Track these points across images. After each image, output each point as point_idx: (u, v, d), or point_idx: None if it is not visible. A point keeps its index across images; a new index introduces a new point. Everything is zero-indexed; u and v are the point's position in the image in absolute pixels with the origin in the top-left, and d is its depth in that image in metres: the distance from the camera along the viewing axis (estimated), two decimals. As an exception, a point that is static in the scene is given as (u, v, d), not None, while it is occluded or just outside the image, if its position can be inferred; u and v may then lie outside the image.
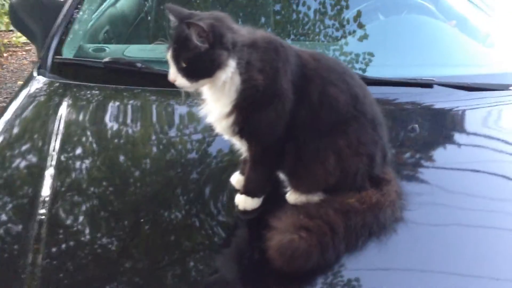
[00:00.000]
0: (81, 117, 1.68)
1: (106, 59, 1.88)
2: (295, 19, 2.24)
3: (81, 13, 2.21)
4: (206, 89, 1.23)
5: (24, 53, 5.63)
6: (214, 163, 1.49)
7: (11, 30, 5.80)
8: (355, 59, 1.95)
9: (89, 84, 1.84)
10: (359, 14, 2.17)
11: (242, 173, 1.35)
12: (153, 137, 1.62)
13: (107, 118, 1.71)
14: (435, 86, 1.77)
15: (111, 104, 1.78)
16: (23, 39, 5.36)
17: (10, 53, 5.57)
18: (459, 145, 1.62)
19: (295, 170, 1.25)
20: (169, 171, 1.44)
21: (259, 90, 1.17)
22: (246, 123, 1.20)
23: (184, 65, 1.15)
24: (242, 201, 1.29)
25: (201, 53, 1.12)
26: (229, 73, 1.15)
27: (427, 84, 1.78)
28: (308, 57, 1.25)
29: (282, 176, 1.31)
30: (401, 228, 1.24)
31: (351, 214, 1.18)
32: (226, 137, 1.28)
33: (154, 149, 1.57)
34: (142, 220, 1.28)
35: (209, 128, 1.34)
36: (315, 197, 1.25)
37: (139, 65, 1.83)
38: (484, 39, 2.19)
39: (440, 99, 1.76)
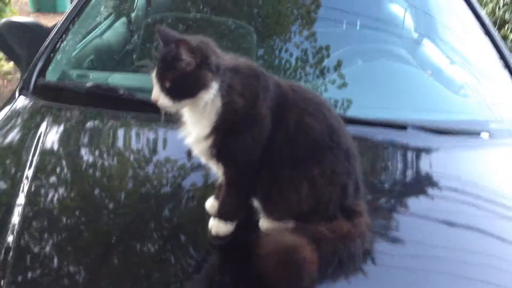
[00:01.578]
0: (58, 141, 1.70)
1: (89, 84, 1.90)
2: (277, 64, 2.29)
3: (67, 40, 2.24)
4: (187, 111, 1.25)
5: (6, 82, 5.61)
6: (191, 190, 1.51)
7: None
8: (333, 99, 2.00)
9: (70, 105, 1.86)
10: (339, 63, 2.24)
11: (217, 198, 1.36)
12: (130, 164, 1.62)
13: (85, 143, 1.73)
14: (409, 128, 1.83)
15: (90, 127, 1.80)
16: (7, 67, 5.36)
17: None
18: (428, 185, 1.65)
19: (268, 196, 1.27)
20: (144, 202, 1.45)
21: (238, 113, 1.20)
22: (223, 146, 1.23)
23: (168, 84, 1.17)
24: (215, 226, 1.30)
25: (186, 72, 1.15)
26: (211, 95, 1.17)
27: (401, 126, 1.83)
28: (287, 87, 1.29)
29: (256, 203, 1.33)
30: (370, 260, 1.27)
31: (322, 243, 1.19)
32: (203, 160, 1.30)
33: (130, 177, 1.57)
34: (111, 251, 1.28)
35: (186, 155, 1.36)
36: (287, 225, 1.27)
37: (121, 91, 1.86)
38: (458, 89, 2.26)
39: (413, 141, 1.81)
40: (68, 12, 2.32)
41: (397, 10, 2.76)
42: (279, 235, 1.22)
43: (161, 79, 1.18)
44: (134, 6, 2.98)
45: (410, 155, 1.83)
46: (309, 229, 1.21)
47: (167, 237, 1.34)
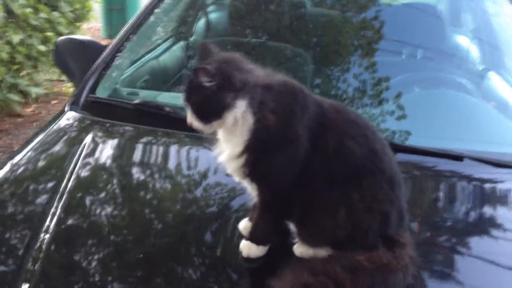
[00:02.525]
0: (103, 154, 1.69)
1: (136, 101, 1.90)
2: (333, 93, 2.23)
3: (121, 59, 2.26)
4: (220, 130, 1.22)
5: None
6: (231, 210, 1.45)
7: (62, 80, 6.04)
8: (387, 125, 1.91)
9: (117, 122, 1.86)
10: (398, 94, 2.15)
11: (250, 219, 1.30)
12: (170, 182, 1.59)
13: (128, 158, 1.71)
14: (465, 159, 1.71)
15: (136, 144, 1.79)
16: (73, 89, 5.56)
17: (58, 101, 5.77)
18: (484, 220, 1.52)
19: (304, 220, 1.20)
20: (186, 223, 1.41)
21: (270, 131, 1.14)
22: (257, 165, 1.17)
23: (195, 108, 1.17)
24: (247, 248, 1.24)
25: (208, 95, 1.12)
26: (239, 113, 1.13)
27: (457, 157, 1.71)
28: (329, 106, 1.22)
29: (291, 227, 1.26)
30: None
31: (359, 273, 1.10)
32: (237, 179, 1.24)
33: (170, 197, 1.53)
34: (150, 271, 1.24)
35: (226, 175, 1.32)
36: (323, 252, 1.19)
37: (167, 109, 1.84)
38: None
39: (469, 173, 1.69)
40: (123, 32, 2.35)
41: (463, 41, 2.65)
42: (296, 274, 1.13)
43: (189, 103, 1.18)
44: (193, 30, 3.00)
45: (466, 186, 1.70)
46: (345, 258, 1.13)
47: (203, 259, 1.29)
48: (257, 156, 1.16)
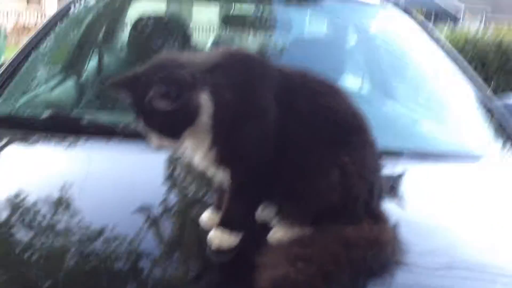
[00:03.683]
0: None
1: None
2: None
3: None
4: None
5: None
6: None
7: None
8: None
9: None
10: None
11: (216, 208, 1.14)
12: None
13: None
14: None
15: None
16: None
17: None
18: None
19: (288, 193, 1.07)
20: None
21: (230, 107, 1.02)
22: (226, 146, 1.05)
23: (161, 128, 1.02)
24: (217, 238, 1.08)
25: (171, 111, 0.99)
26: (206, 107, 1.01)
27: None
28: (291, 71, 1.13)
29: (265, 212, 1.13)
30: (403, 272, 1.07)
31: (351, 246, 1.00)
32: (210, 172, 1.10)
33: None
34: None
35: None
36: (307, 230, 1.07)
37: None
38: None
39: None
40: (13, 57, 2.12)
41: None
42: (283, 254, 1.00)
43: (152, 127, 1.02)
44: (85, 67, 2.81)
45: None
46: (334, 231, 1.03)
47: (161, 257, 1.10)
48: (226, 138, 1.04)
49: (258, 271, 0.95)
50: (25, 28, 14.14)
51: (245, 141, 1.05)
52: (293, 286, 0.92)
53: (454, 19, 18.33)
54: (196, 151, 1.08)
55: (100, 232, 1.14)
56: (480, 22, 16.39)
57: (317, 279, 0.92)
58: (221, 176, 1.10)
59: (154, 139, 1.04)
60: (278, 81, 1.09)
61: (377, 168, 1.12)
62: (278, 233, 1.10)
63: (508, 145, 1.87)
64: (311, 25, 3.40)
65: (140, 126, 1.03)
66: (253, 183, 1.07)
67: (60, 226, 1.17)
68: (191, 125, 1.01)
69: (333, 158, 1.05)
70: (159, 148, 1.07)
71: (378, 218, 1.11)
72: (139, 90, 0.99)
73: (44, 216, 1.21)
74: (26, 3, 18.01)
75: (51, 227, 1.18)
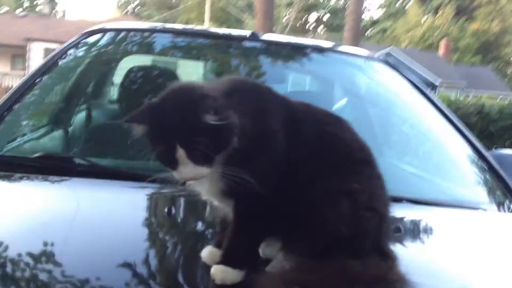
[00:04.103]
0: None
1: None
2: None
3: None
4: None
5: None
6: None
7: None
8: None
9: None
10: None
11: (217, 245, 1.05)
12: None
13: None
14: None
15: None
16: None
17: None
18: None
19: (295, 224, 0.99)
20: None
21: (247, 133, 0.95)
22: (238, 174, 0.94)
23: (202, 150, 0.91)
24: (220, 272, 0.98)
25: (216, 127, 0.91)
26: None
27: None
28: (295, 101, 1.09)
29: (268, 249, 1.04)
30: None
31: (355, 280, 0.92)
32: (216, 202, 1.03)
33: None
34: None
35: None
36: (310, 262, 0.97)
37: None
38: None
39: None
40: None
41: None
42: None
43: (189, 147, 0.91)
44: (72, 120, 2.75)
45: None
46: (338, 263, 0.94)
47: None
48: (239, 166, 0.94)
49: None
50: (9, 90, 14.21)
51: (257, 169, 0.96)
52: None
53: (433, 86, 18.90)
54: (203, 183, 0.99)
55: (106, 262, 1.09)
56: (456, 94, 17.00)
57: None
58: (225, 209, 1.03)
59: (184, 168, 0.93)
60: (284, 108, 1.05)
61: (386, 202, 1.04)
62: (278, 265, 1.00)
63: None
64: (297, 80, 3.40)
65: (179, 155, 0.92)
66: (257, 215, 0.99)
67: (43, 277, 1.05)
68: (230, 144, 0.93)
69: (342, 185, 0.98)
70: (185, 180, 0.96)
71: (387, 255, 1.02)
72: (170, 114, 0.92)
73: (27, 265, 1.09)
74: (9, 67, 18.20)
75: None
